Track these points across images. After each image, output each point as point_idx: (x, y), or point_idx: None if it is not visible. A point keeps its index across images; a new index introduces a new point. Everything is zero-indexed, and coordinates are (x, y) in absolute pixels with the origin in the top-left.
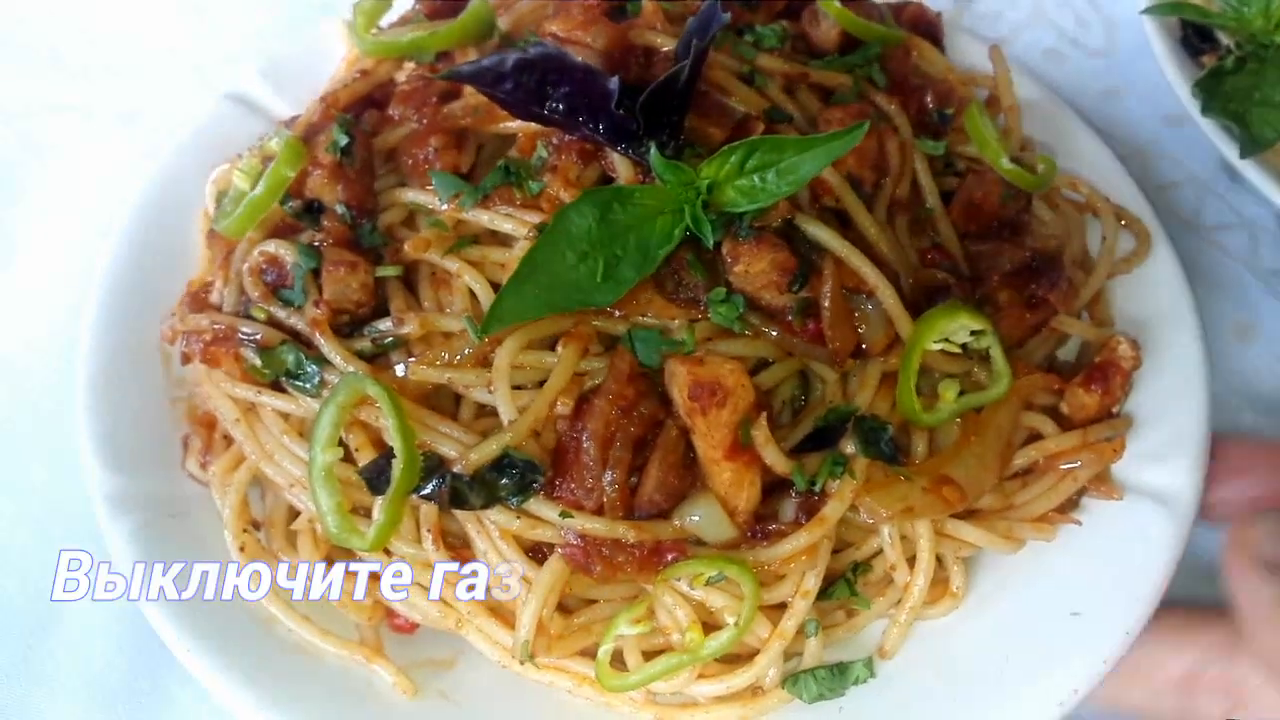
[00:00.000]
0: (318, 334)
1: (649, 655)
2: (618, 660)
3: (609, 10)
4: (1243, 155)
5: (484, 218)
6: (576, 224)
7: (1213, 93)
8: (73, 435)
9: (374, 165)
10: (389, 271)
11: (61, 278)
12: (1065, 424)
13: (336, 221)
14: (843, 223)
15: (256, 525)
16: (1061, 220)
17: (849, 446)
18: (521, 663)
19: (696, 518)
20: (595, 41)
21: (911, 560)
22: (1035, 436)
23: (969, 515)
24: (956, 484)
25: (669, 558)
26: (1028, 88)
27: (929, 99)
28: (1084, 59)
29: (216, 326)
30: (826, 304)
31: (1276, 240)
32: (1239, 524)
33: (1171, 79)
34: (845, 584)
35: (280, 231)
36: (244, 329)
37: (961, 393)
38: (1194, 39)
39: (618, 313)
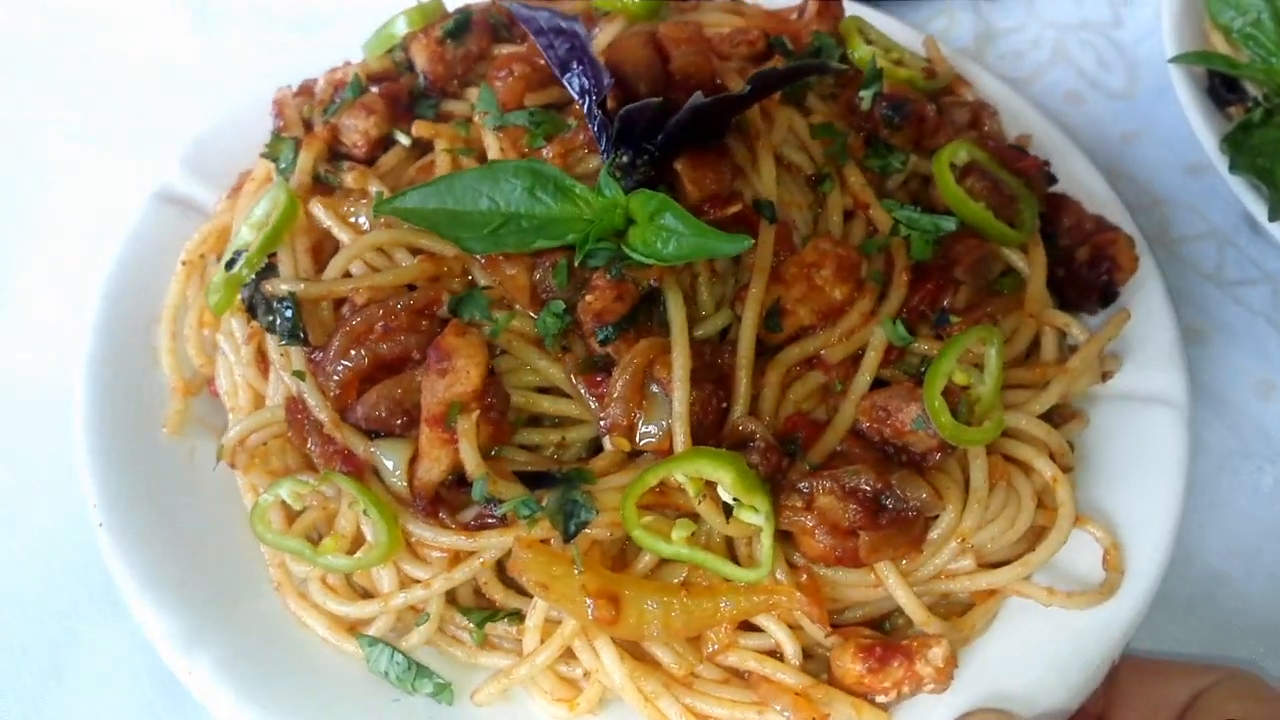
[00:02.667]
0: (304, 143)
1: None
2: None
3: (763, 54)
4: (1272, 217)
5: (487, 139)
6: (508, 180)
7: (1240, 147)
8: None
9: (477, 62)
10: (400, 138)
11: (61, 300)
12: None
13: (406, 81)
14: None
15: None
16: (957, 489)
17: (547, 499)
18: (217, 458)
19: (383, 454)
20: (678, 59)
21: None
22: (775, 653)
23: (638, 651)
24: (617, 608)
25: (343, 468)
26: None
27: (949, 299)
28: (1104, 101)
29: (277, 102)
30: (616, 371)
31: None
32: None
33: (1198, 131)
34: (479, 613)
35: (389, 71)
36: (285, 117)
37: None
38: (1221, 89)
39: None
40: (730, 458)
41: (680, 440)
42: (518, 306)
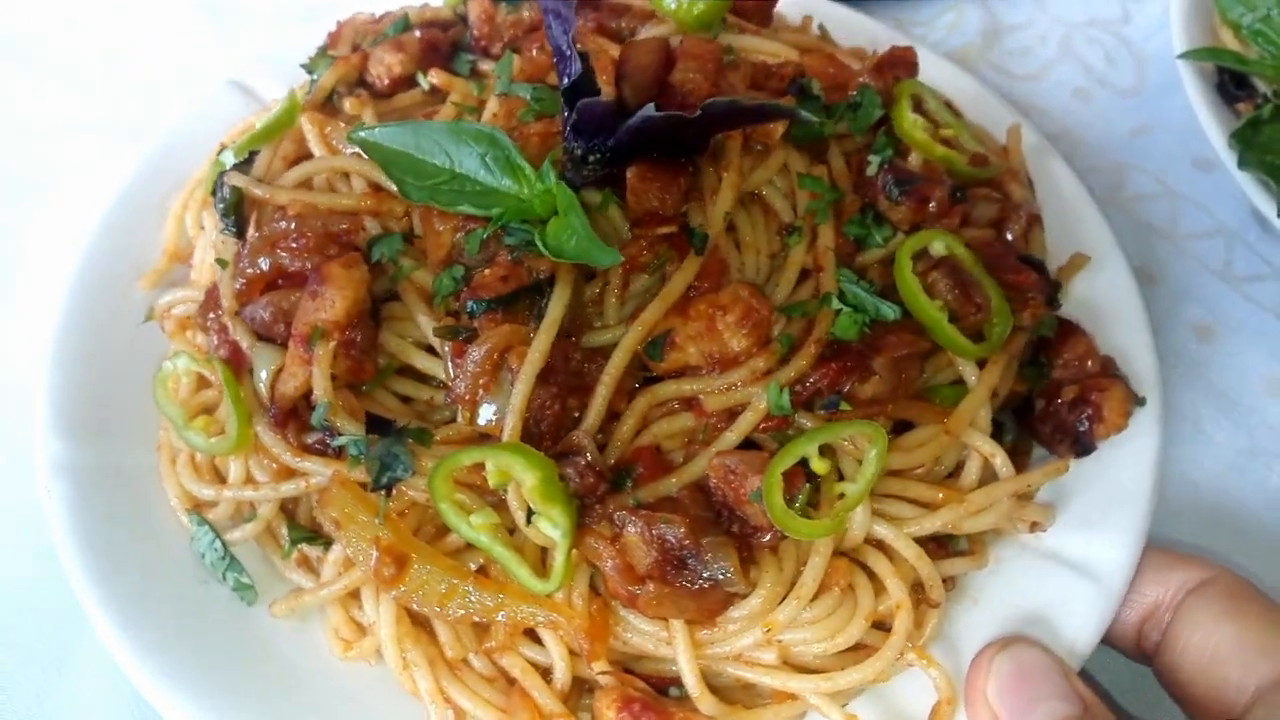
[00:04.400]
0: (335, 64)
1: None
2: None
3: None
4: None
5: (490, 103)
6: (467, 142)
7: (1249, 143)
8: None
9: (529, 32)
10: (421, 81)
11: None
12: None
13: (454, 33)
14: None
15: None
16: (779, 576)
17: (375, 446)
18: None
19: (258, 356)
20: (678, 73)
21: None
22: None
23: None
24: (400, 570)
25: (226, 356)
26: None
27: (855, 385)
28: (1113, 98)
29: (341, 23)
30: (474, 346)
31: None
32: (979, 663)
33: (1207, 128)
34: (300, 532)
35: (445, 20)
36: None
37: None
38: (1229, 85)
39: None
40: (542, 463)
41: (509, 431)
42: (429, 261)
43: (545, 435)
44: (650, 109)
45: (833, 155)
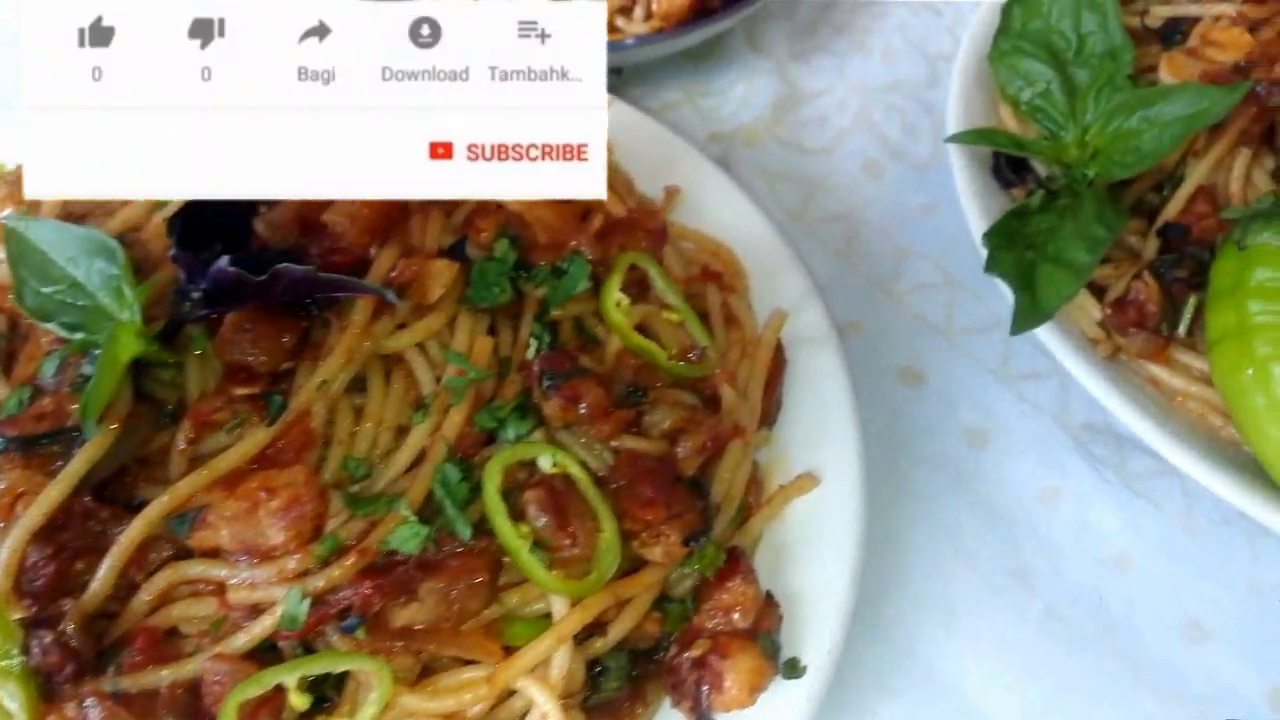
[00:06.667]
0: None
1: None
2: None
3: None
4: (1014, 330)
5: None
6: (94, 256)
7: (1014, 238)
8: None
9: None
10: None
11: None
12: None
13: None
14: None
15: None
16: None
17: None
18: None
19: None
20: (334, 214)
21: None
22: None
23: None
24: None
25: None
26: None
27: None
28: (905, 172)
29: None
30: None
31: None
32: None
33: (972, 224)
34: None
35: None
36: None
37: None
38: (1006, 169)
39: None
40: (11, 635)
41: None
42: (13, 376)
43: (41, 596)
44: (224, 262)
45: (524, 324)
